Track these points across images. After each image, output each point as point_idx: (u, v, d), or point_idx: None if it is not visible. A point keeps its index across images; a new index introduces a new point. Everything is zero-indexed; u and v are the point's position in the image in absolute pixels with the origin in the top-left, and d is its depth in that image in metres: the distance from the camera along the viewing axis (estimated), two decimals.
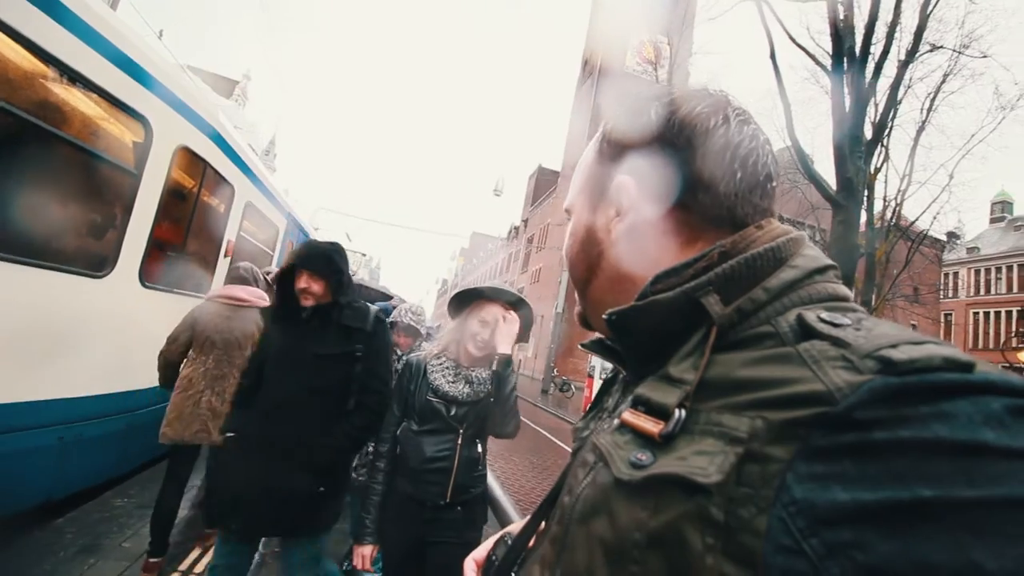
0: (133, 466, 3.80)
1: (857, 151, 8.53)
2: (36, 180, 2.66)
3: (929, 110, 13.55)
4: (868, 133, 9.70)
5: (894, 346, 0.31)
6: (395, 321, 2.79)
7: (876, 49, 9.01)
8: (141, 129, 3.25)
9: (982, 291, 33.98)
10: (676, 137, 0.49)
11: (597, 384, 16.00)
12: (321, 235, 13.46)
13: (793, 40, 9.79)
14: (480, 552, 0.80)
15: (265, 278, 3.28)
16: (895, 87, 10.26)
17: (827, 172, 9.29)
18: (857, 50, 8.67)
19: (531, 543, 0.64)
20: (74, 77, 2.69)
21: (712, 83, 0.55)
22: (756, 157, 0.49)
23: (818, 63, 9.97)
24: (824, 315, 0.37)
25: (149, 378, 3.58)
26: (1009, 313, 31.16)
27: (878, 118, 10.51)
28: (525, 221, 50.88)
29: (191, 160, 3.87)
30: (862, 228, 10.92)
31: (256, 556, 2.48)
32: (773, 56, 9.35)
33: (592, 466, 0.44)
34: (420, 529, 1.82)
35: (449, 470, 1.81)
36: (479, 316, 1.89)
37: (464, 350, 1.92)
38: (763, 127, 0.52)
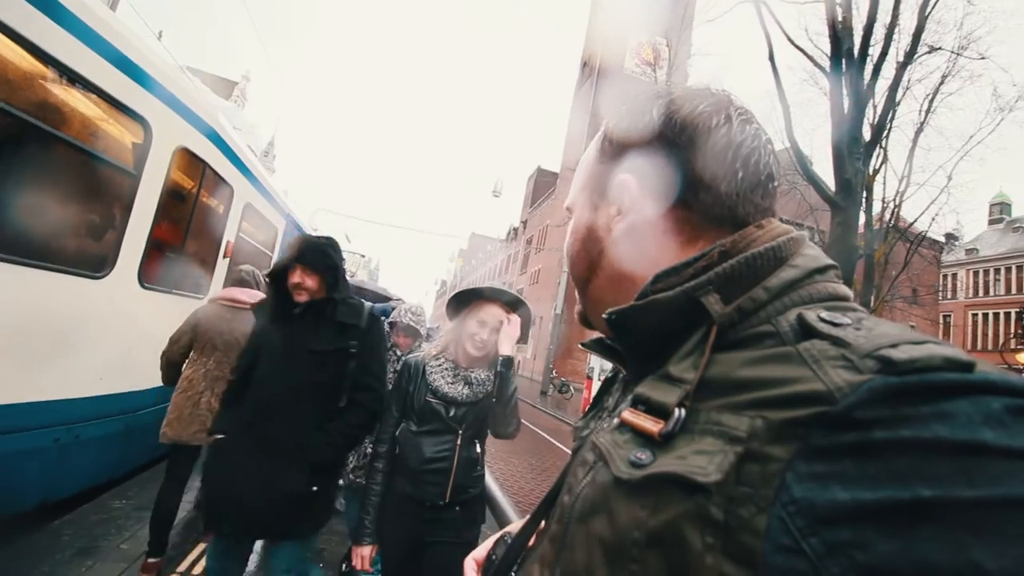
0: (131, 468, 3.79)
1: (856, 152, 8.54)
2: (35, 181, 2.65)
3: (927, 111, 13.55)
4: (867, 134, 9.72)
5: (894, 345, 0.31)
6: (395, 321, 2.78)
7: (874, 51, 9.04)
8: (140, 130, 3.24)
9: (981, 292, 34.04)
10: (678, 136, 0.49)
11: (596, 386, 15.97)
12: None
13: (792, 42, 9.82)
14: (480, 552, 0.80)
15: (266, 280, 3.29)
16: (893, 88, 10.27)
17: (826, 173, 9.32)
18: (855, 52, 8.69)
19: (531, 542, 0.64)
20: (74, 78, 2.69)
21: (713, 83, 0.55)
22: (758, 156, 0.49)
23: (817, 65, 10.00)
24: (824, 315, 0.37)
25: (147, 379, 3.58)
26: (1008, 314, 31.22)
27: (876, 119, 10.52)
28: (524, 222, 50.91)
29: (190, 161, 3.86)
30: (861, 229, 10.93)
31: (255, 557, 2.47)
32: (772, 58, 9.37)
33: (592, 465, 0.44)
34: (419, 529, 1.82)
35: (448, 470, 1.82)
36: (477, 316, 1.89)
37: (462, 350, 1.92)
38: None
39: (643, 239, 0.51)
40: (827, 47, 9.09)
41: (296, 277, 1.91)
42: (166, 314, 3.79)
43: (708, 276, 0.43)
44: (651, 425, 0.39)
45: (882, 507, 0.26)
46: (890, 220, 14.77)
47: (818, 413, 0.30)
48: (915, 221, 15.52)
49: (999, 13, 11.82)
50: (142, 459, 3.91)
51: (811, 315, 0.37)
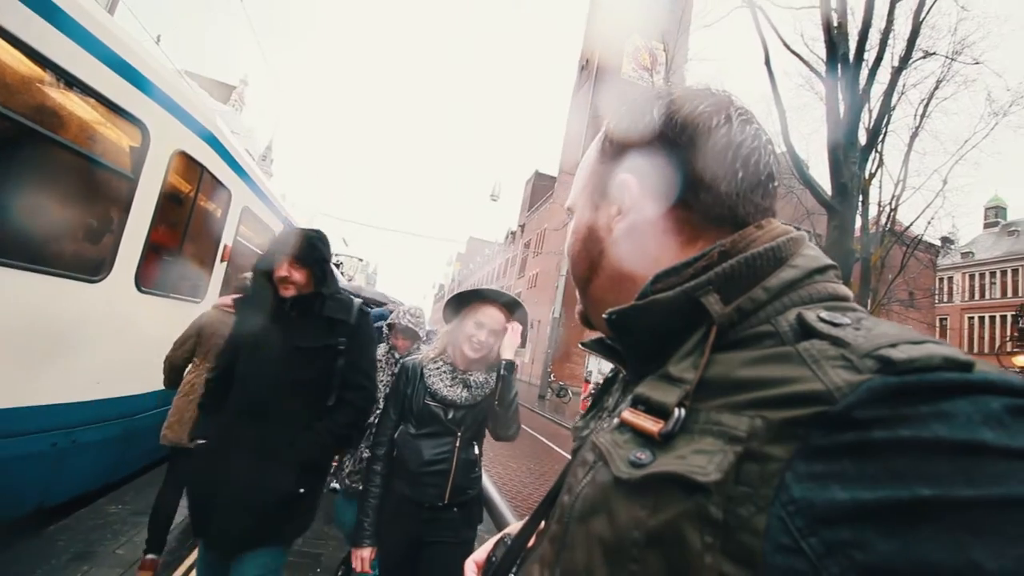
0: (128, 472, 3.77)
1: (852, 156, 8.57)
2: (33, 184, 2.65)
3: (923, 116, 13.61)
4: (862, 139, 9.74)
5: (893, 345, 0.32)
6: (394, 323, 2.77)
7: (870, 55, 9.07)
8: (138, 134, 3.24)
9: (977, 296, 34.17)
10: (678, 136, 0.49)
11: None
12: None
13: (787, 47, 9.86)
14: (480, 554, 0.79)
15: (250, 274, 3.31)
16: (889, 93, 10.30)
17: (822, 177, 9.34)
18: (851, 56, 8.73)
19: (530, 543, 0.64)
20: (72, 82, 2.69)
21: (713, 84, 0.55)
22: (758, 156, 0.49)
23: (812, 70, 10.04)
24: (824, 314, 0.37)
25: (145, 383, 3.57)
26: (1004, 317, 31.32)
27: (872, 124, 10.55)
28: (522, 226, 50.93)
29: (188, 165, 3.86)
30: (857, 233, 10.96)
31: None
32: (768, 62, 9.40)
33: (592, 465, 0.44)
34: (417, 529, 1.83)
35: (447, 472, 1.83)
36: (475, 318, 1.90)
37: (460, 352, 1.92)
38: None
39: (643, 239, 0.51)
40: (823, 52, 9.12)
41: (283, 271, 1.82)
42: (163, 318, 3.78)
43: (708, 276, 0.43)
44: (651, 425, 0.39)
45: (881, 507, 0.26)
46: (886, 224, 14.82)
47: (817, 413, 0.30)
48: (911, 225, 15.57)
49: (992, 19, 11.94)
50: (139, 463, 3.89)
51: (811, 315, 0.37)
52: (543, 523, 0.59)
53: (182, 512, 2.99)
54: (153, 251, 3.57)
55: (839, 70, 8.73)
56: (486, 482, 2.08)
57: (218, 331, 2.88)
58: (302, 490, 1.79)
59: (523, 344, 2.05)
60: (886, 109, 10.55)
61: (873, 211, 14.42)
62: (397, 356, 2.78)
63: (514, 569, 0.65)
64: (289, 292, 1.83)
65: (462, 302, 1.97)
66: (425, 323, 2.85)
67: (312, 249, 1.86)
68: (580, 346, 0.64)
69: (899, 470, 0.27)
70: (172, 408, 2.89)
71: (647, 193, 0.51)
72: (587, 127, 32.97)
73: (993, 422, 0.27)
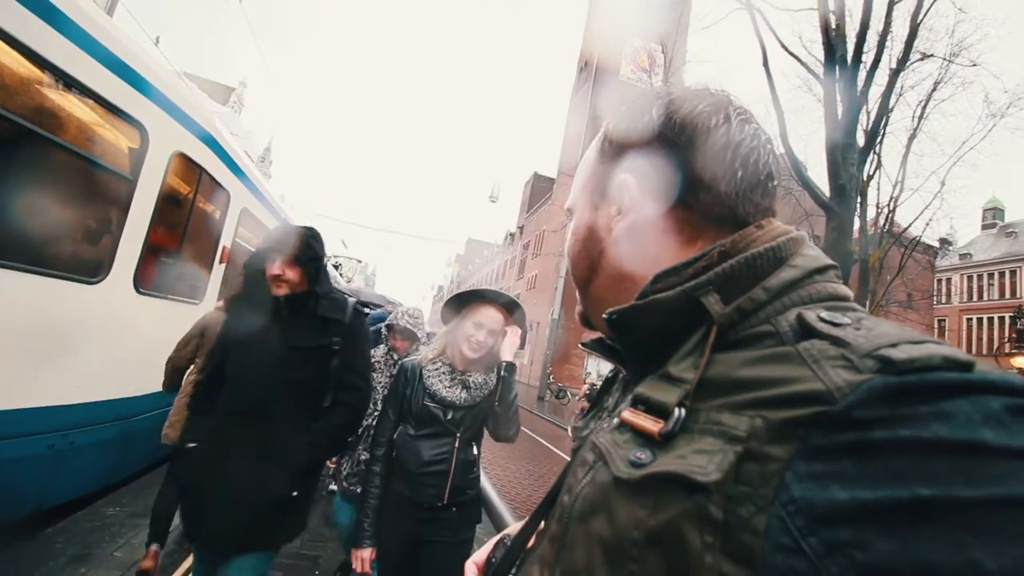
0: (126, 474, 3.76)
1: (850, 158, 8.59)
2: (31, 185, 2.64)
3: (920, 118, 13.66)
4: (860, 140, 9.76)
5: (894, 345, 0.32)
6: (392, 324, 2.76)
7: (867, 57, 9.09)
8: (137, 135, 3.24)
9: (975, 297, 34.22)
10: (677, 136, 0.49)
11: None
12: None
13: (786, 48, 9.88)
14: (480, 555, 0.79)
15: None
16: (887, 95, 10.33)
17: (820, 179, 9.35)
18: (849, 58, 8.75)
19: (530, 543, 0.64)
20: (70, 83, 2.69)
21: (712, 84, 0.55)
22: (757, 156, 0.49)
23: (810, 71, 10.06)
24: (824, 314, 0.37)
25: (143, 385, 3.56)
26: (1002, 319, 31.37)
27: (870, 126, 10.58)
28: (521, 228, 50.95)
29: (187, 166, 3.86)
30: (856, 234, 10.98)
31: None
32: (766, 64, 9.43)
33: (592, 465, 0.44)
34: (416, 529, 1.84)
35: (447, 472, 1.84)
36: (473, 319, 1.91)
37: (459, 353, 1.93)
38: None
39: (643, 239, 0.52)
40: (821, 54, 9.14)
41: (275, 269, 1.77)
42: (162, 319, 3.78)
43: (708, 276, 0.43)
44: (651, 425, 0.39)
45: (881, 507, 0.26)
46: (884, 225, 14.85)
47: (817, 413, 0.30)
48: (909, 226, 15.60)
49: (990, 21, 11.99)
50: (137, 466, 3.88)
51: (811, 315, 0.37)
52: (543, 523, 0.59)
53: (179, 516, 2.98)
54: (152, 252, 3.57)
55: (837, 72, 8.75)
56: (485, 483, 2.09)
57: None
58: (295, 493, 1.75)
59: (522, 346, 2.06)
60: (884, 111, 10.58)
61: (871, 212, 14.47)
62: (396, 357, 2.77)
63: (514, 570, 0.64)
64: (282, 291, 1.79)
65: (461, 303, 1.98)
66: (424, 324, 2.83)
67: (306, 247, 1.82)
68: (580, 346, 0.64)
69: (899, 470, 0.27)
70: (174, 407, 2.90)
71: (647, 193, 0.51)
72: (586, 129, 32.99)
73: (993, 422, 0.27)
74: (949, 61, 11.99)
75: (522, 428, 2.06)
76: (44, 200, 2.73)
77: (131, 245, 3.30)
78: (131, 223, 3.26)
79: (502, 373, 1.90)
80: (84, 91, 2.78)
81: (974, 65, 11.78)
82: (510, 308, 1.98)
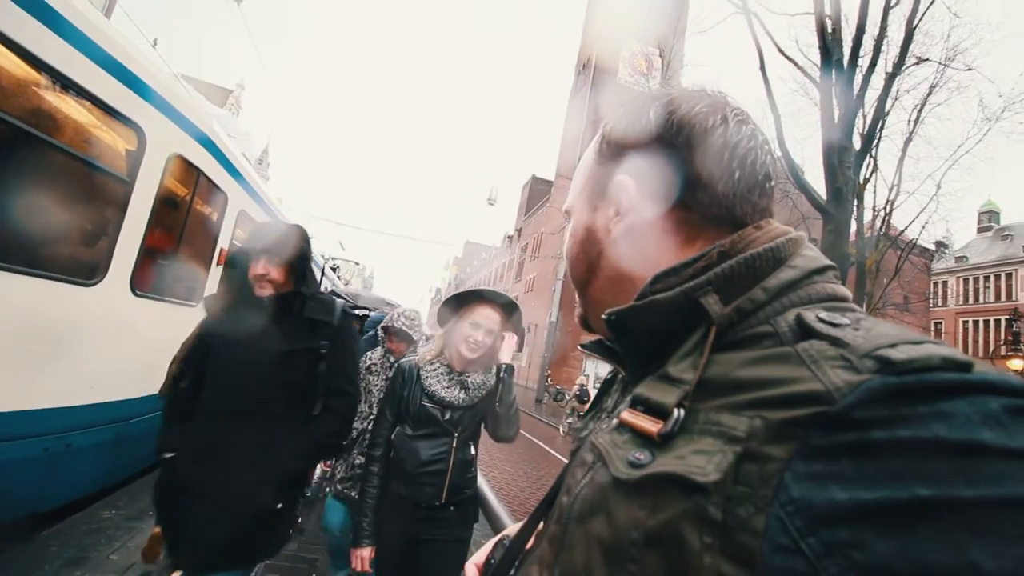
0: (122, 477, 3.74)
1: (846, 161, 8.62)
2: (27, 187, 2.63)
3: (916, 121, 13.72)
4: (857, 144, 9.81)
5: (893, 346, 0.32)
6: (389, 326, 2.75)
7: (863, 61, 9.15)
8: (134, 137, 3.23)
9: (971, 300, 34.35)
10: (675, 137, 0.49)
11: (591, 392, 15.92)
12: (314, 243, 13.42)
13: (782, 52, 9.93)
14: (479, 556, 0.79)
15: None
16: (882, 99, 10.38)
17: (817, 182, 9.40)
18: (845, 63, 8.80)
19: (529, 544, 0.64)
20: (67, 84, 2.68)
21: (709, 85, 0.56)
22: (754, 156, 0.49)
23: (807, 75, 10.10)
24: (823, 315, 0.37)
25: (140, 388, 3.54)
26: (998, 321, 31.45)
27: (866, 129, 10.63)
28: (519, 230, 50.99)
29: (184, 168, 3.85)
30: (852, 237, 11.03)
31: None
32: (763, 68, 9.47)
33: (591, 466, 0.44)
34: (415, 528, 1.85)
35: (444, 472, 1.85)
36: (470, 319, 1.92)
37: (457, 353, 1.94)
38: None
39: (642, 240, 0.52)
40: (817, 58, 9.19)
41: (259, 268, 1.68)
42: (159, 322, 3.76)
43: (707, 277, 0.43)
44: (650, 425, 0.39)
45: (880, 507, 0.26)
46: (881, 228, 14.91)
47: (817, 413, 0.30)
48: (905, 229, 15.67)
49: (985, 25, 12.06)
50: (133, 469, 3.86)
51: (810, 315, 0.38)
52: (541, 524, 0.59)
53: None
54: (149, 255, 3.55)
55: (833, 76, 8.80)
56: (483, 485, 2.10)
57: None
58: (280, 505, 1.66)
59: (520, 348, 2.08)
60: (880, 114, 10.63)
61: (868, 215, 14.54)
62: (393, 360, 2.76)
63: (513, 570, 0.64)
64: (266, 291, 1.70)
65: (458, 303, 1.99)
66: (421, 326, 2.82)
67: (291, 246, 1.74)
68: (579, 348, 0.64)
69: (898, 470, 0.27)
70: None
71: (645, 194, 0.51)
72: (584, 131, 33.06)
73: (992, 422, 0.27)
74: (944, 65, 12.07)
75: (520, 430, 2.07)
76: (40, 202, 2.72)
77: (128, 247, 3.29)
78: (128, 225, 3.25)
79: (501, 375, 1.92)
80: (81, 93, 2.77)
81: (969, 69, 11.86)
82: (507, 308, 1.99)
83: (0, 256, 2.46)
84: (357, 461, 2.55)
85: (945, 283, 35.86)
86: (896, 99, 12.22)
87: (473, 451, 1.99)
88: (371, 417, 2.62)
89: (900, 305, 18.96)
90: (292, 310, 1.73)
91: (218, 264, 4.80)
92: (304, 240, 1.81)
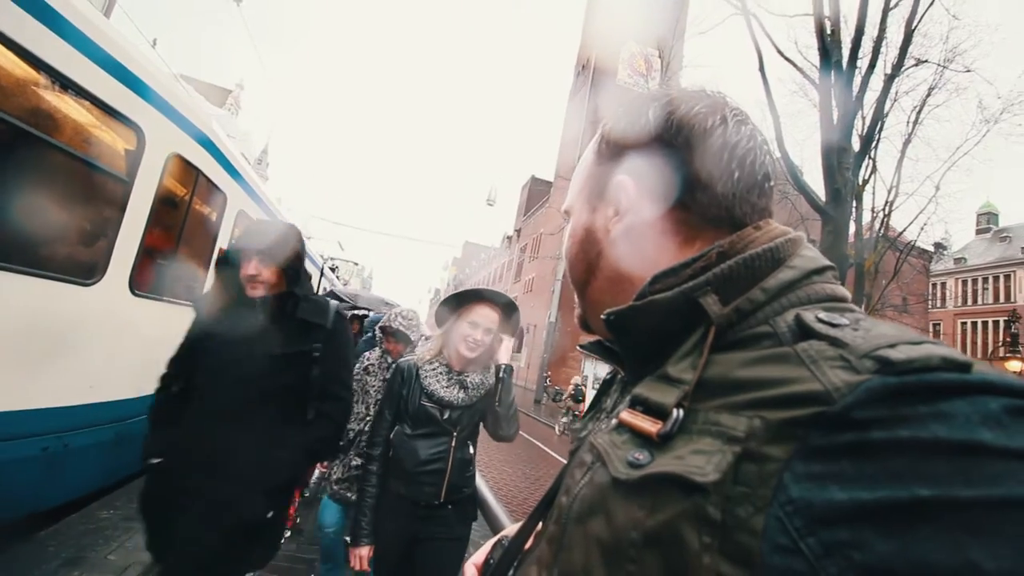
0: (121, 477, 3.73)
1: (845, 162, 8.63)
2: (26, 186, 2.63)
3: (915, 123, 13.75)
4: (856, 145, 9.83)
5: (892, 346, 0.32)
6: (386, 326, 2.73)
7: (863, 63, 9.16)
8: (134, 137, 3.23)
9: (969, 301, 34.40)
10: (674, 137, 0.50)
11: (590, 394, 15.96)
12: (313, 243, 13.43)
13: (781, 54, 9.94)
14: (478, 557, 0.79)
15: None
16: (881, 100, 10.40)
17: (816, 183, 9.41)
18: (844, 64, 8.81)
19: (528, 544, 0.64)
20: (67, 84, 2.68)
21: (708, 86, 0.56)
22: (754, 157, 0.49)
23: (806, 77, 10.12)
24: (822, 315, 0.37)
25: (138, 388, 3.53)
26: (996, 323, 31.51)
27: (865, 131, 10.65)
28: (518, 231, 50.99)
29: (184, 168, 3.85)
30: (851, 239, 11.04)
31: None
32: (762, 69, 9.47)
33: (590, 466, 0.43)
34: (413, 527, 1.86)
35: (443, 471, 1.86)
36: (469, 318, 1.93)
37: (456, 352, 1.95)
38: None
39: (641, 240, 0.52)
40: (816, 59, 9.21)
41: (251, 268, 1.62)
42: (157, 321, 3.76)
43: (706, 277, 0.43)
44: (649, 425, 0.39)
45: (880, 507, 0.26)
46: (880, 229, 14.93)
47: (816, 413, 0.30)
48: (904, 230, 15.70)
49: (984, 27, 12.07)
50: (132, 469, 3.85)
51: (809, 316, 0.38)
52: (540, 524, 0.59)
53: None
54: (148, 254, 3.55)
55: (832, 77, 8.81)
56: (482, 486, 2.12)
57: None
58: (271, 514, 1.60)
59: (519, 348, 2.10)
60: (879, 116, 10.65)
61: (867, 217, 14.57)
62: (390, 361, 2.74)
63: (511, 571, 0.64)
64: (257, 292, 1.65)
65: (456, 303, 2.01)
66: (419, 326, 2.80)
67: (284, 245, 1.68)
68: (578, 348, 0.64)
69: (898, 470, 0.27)
70: None
71: (644, 194, 0.51)
72: (583, 132, 33.08)
73: (992, 422, 0.27)
74: (943, 67, 12.10)
75: (520, 431, 2.08)
76: (40, 201, 2.72)
77: (127, 247, 3.28)
78: (127, 225, 3.25)
79: (500, 375, 1.95)
80: (80, 93, 2.77)
81: (968, 71, 11.89)
82: (505, 308, 2.01)
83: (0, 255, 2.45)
84: (354, 462, 2.55)
85: (944, 284, 35.91)
86: (895, 100, 12.27)
87: (472, 450, 2.00)
88: (367, 418, 2.61)
89: (899, 306, 19.01)
90: (285, 312, 1.68)
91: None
92: (298, 240, 1.75)
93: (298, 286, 1.70)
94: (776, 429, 0.31)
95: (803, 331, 0.37)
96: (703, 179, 0.48)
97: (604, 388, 0.63)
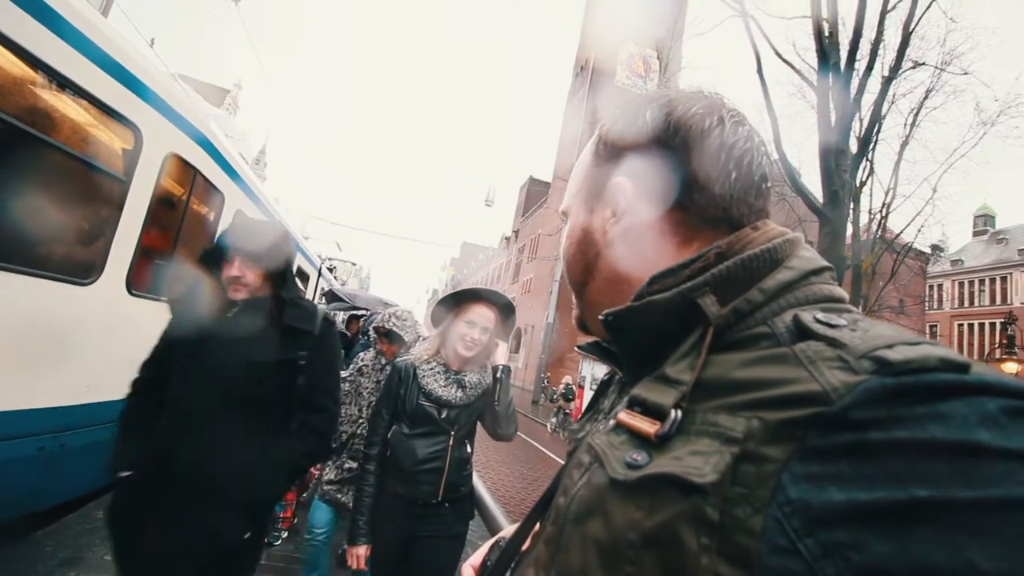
0: None
1: (843, 164, 8.65)
2: (23, 185, 2.62)
3: (912, 125, 13.80)
4: (853, 147, 9.86)
5: (890, 346, 0.32)
6: (379, 327, 2.71)
7: (860, 65, 9.18)
8: (131, 136, 3.22)
9: (966, 303, 34.46)
10: (672, 138, 0.50)
11: (588, 395, 15.96)
12: (312, 244, 13.41)
13: (780, 56, 9.97)
14: (476, 558, 0.79)
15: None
16: (879, 103, 10.43)
17: (813, 185, 9.43)
18: (842, 66, 8.83)
19: (526, 545, 0.64)
20: (65, 84, 2.67)
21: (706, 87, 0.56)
22: (751, 158, 0.50)
23: (804, 78, 10.15)
24: (820, 316, 0.37)
25: None
26: (993, 325, 31.57)
27: (863, 132, 10.68)
28: (516, 231, 50.99)
29: (181, 168, 3.84)
30: (848, 240, 11.07)
31: None
32: (760, 71, 9.49)
33: (588, 467, 0.43)
34: (410, 525, 1.87)
35: (441, 470, 1.87)
36: (466, 318, 1.95)
37: (453, 352, 1.96)
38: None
39: (639, 241, 0.52)
40: (814, 61, 9.24)
41: (234, 269, 1.52)
42: (155, 321, 3.74)
43: (704, 278, 0.43)
44: (647, 426, 0.39)
45: (878, 508, 0.26)
46: (877, 231, 14.97)
47: (814, 414, 0.30)
48: (901, 232, 15.74)
49: (981, 30, 12.15)
50: None
51: (807, 316, 0.38)
52: (538, 525, 0.59)
53: None
54: (145, 254, 3.54)
55: (830, 79, 8.83)
56: (479, 485, 2.13)
57: None
58: (248, 535, 1.48)
59: (516, 349, 2.12)
60: (876, 118, 10.68)
61: (864, 219, 14.59)
62: (384, 362, 2.72)
63: (509, 572, 0.64)
64: (240, 295, 1.55)
65: (453, 302, 2.02)
66: (413, 327, 2.77)
67: (269, 244, 1.57)
68: (576, 349, 0.64)
69: (896, 471, 0.27)
70: None
71: (642, 195, 0.51)
72: (582, 133, 33.09)
73: (989, 423, 0.27)
74: (941, 69, 12.14)
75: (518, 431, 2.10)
76: (36, 200, 2.71)
77: (124, 246, 3.27)
78: (124, 224, 3.24)
79: (499, 375, 1.98)
80: (78, 92, 2.76)
81: (965, 74, 11.94)
82: (501, 308, 2.03)
83: None
84: (347, 465, 2.54)
85: (940, 286, 35.99)
86: (892, 103, 12.30)
87: (469, 449, 2.02)
88: (360, 420, 2.61)
89: (896, 308, 19.06)
90: (268, 317, 1.56)
91: None
92: (286, 240, 1.65)
93: (285, 289, 1.60)
94: (774, 430, 0.31)
95: (801, 332, 0.37)
96: (700, 180, 0.48)
97: (602, 389, 0.63)
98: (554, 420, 15.41)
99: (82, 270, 3.05)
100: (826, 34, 8.76)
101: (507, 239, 55.81)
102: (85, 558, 2.81)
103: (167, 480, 1.43)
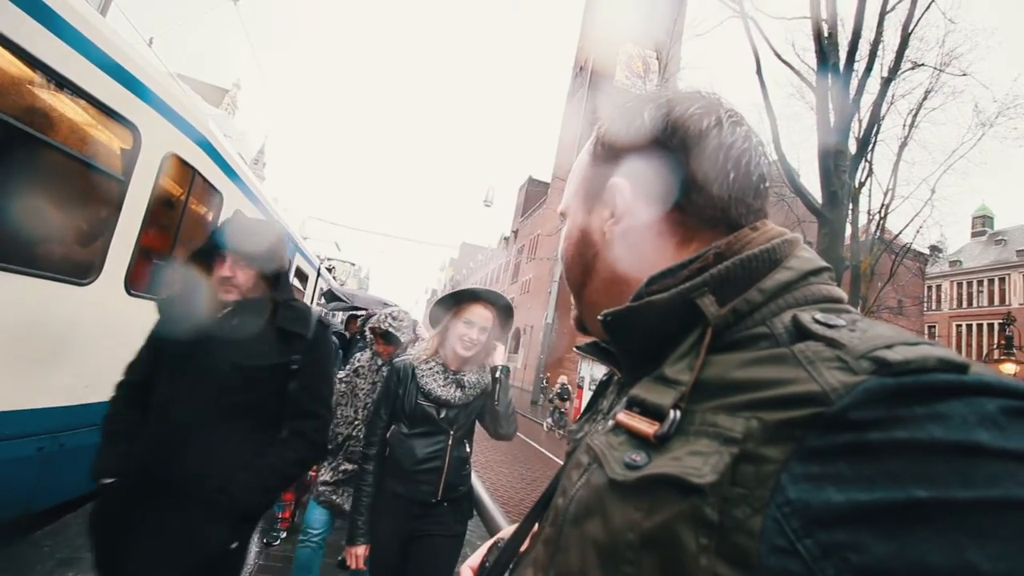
0: None
1: (842, 165, 8.66)
2: (22, 185, 2.62)
3: (911, 126, 13.84)
4: (852, 148, 9.87)
5: (889, 347, 0.32)
6: (375, 327, 2.71)
7: (859, 66, 9.20)
8: (130, 136, 3.22)
9: (964, 304, 34.51)
10: (670, 139, 0.50)
11: (587, 395, 15.97)
12: (311, 244, 13.41)
13: (779, 56, 9.99)
14: (475, 559, 0.79)
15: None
16: (878, 103, 10.45)
17: (812, 185, 9.45)
18: (841, 67, 8.85)
19: (524, 546, 0.64)
20: (63, 83, 2.67)
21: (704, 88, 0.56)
22: (749, 158, 0.50)
23: (803, 79, 10.19)
24: (819, 316, 0.37)
25: None
26: (991, 325, 31.62)
27: (862, 133, 10.71)
28: (515, 232, 50.99)
29: (180, 168, 3.83)
30: (847, 241, 11.09)
31: None
32: (759, 72, 9.52)
33: (586, 467, 0.43)
34: (409, 525, 1.88)
35: (440, 469, 1.88)
36: (464, 317, 1.96)
37: (452, 351, 1.97)
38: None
39: (637, 242, 0.52)
40: (813, 62, 9.27)
41: (225, 269, 1.46)
42: (153, 322, 3.74)
43: (703, 278, 0.43)
44: (646, 427, 0.39)
45: (877, 508, 0.26)
46: (876, 232, 15.00)
47: (813, 414, 0.30)
48: (900, 233, 15.77)
49: (980, 31, 12.16)
50: None
51: (806, 317, 0.38)
52: (537, 526, 0.59)
53: None
54: (143, 254, 3.54)
55: (829, 80, 8.86)
56: (478, 486, 2.14)
57: None
58: (234, 545, 1.44)
59: (515, 349, 2.14)
60: (875, 119, 10.70)
61: (863, 219, 14.62)
62: (380, 363, 2.71)
63: (507, 573, 0.64)
64: (230, 296, 1.49)
65: (451, 302, 2.03)
66: (411, 327, 2.76)
67: (263, 244, 1.52)
68: (575, 350, 0.64)
69: (895, 471, 0.27)
70: None
71: (640, 196, 0.51)
72: (581, 133, 33.09)
73: (989, 423, 0.27)
74: (940, 70, 12.17)
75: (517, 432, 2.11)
76: (35, 200, 2.70)
77: (123, 246, 3.27)
78: (123, 224, 3.23)
79: (498, 375, 1.99)
80: (77, 92, 2.76)
81: (964, 75, 11.97)
82: (499, 308, 2.04)
83: None
84: (343, 467, 2.53)
85: (939, 287, 36.04)
86: (891, 104, 12.33)
87: (468, 448, 2.02)
88: (356, 422, 2.60)
89: (894, 309, 19.10)
90: (260, 319, 1.51)
91: None
92: (280, 240, 1.61)
93: (278, 291, 1.56)
94: (773, 430, 0.31)
95: (800, 332, 0.37)
96: (699, 180, 0.48)
97: (601, 389, 0.63)
98: (550, 420, 15.46)
99: (81, 270, 3.04)
100: (825, 35, 8.77)
101: (506, 239, 55.80)
102: (83, 558, 2.80)
103: (152, 487, 1.38)
